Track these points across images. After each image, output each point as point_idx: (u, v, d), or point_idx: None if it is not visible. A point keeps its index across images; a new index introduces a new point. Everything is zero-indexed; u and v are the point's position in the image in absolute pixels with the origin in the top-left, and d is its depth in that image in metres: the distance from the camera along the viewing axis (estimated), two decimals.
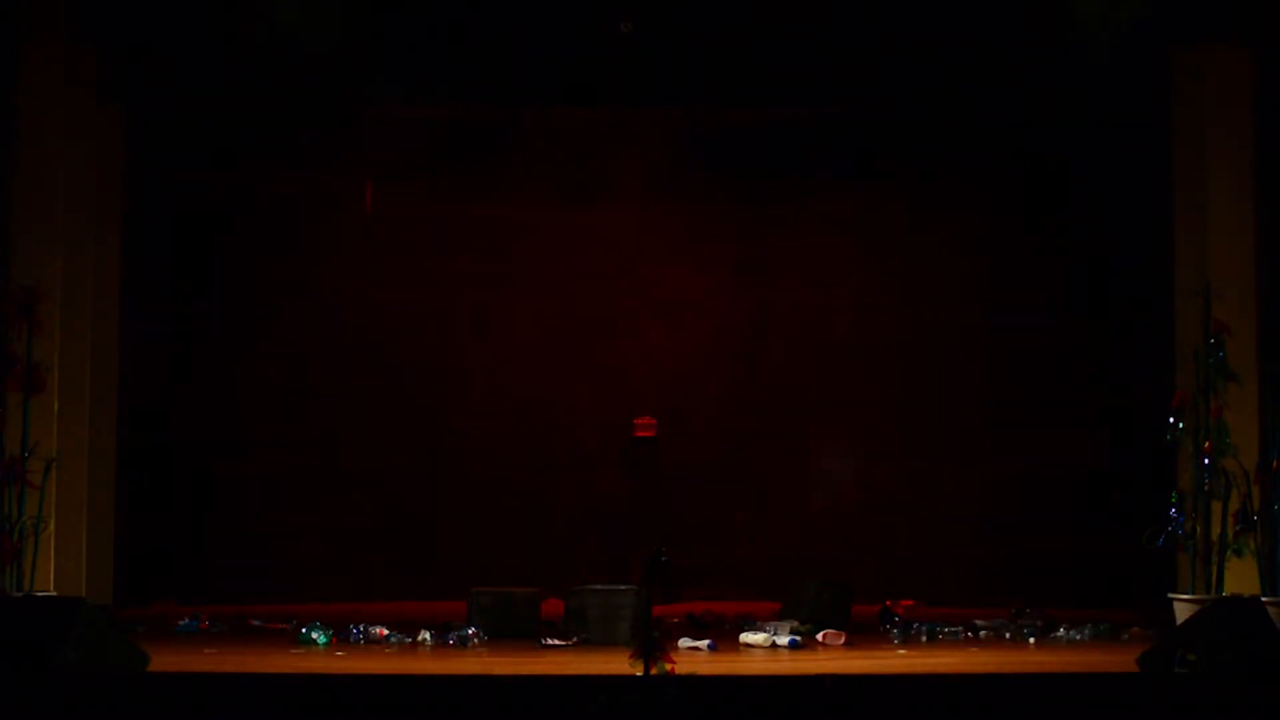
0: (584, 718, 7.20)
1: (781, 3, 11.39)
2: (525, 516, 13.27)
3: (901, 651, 10.24)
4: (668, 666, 7.93)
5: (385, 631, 10.47)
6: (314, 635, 10.31)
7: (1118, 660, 9.32)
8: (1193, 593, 10.21)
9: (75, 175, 11.24)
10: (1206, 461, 10.22)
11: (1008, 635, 10.93)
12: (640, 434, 13.42)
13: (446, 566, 12.77)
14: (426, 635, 10.44)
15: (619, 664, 8.26)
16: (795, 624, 10.77)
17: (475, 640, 10.28)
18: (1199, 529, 10.24)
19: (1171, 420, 10.41)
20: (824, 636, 10.51)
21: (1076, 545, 12.91)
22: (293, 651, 9.99)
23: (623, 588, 10.48)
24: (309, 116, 12.90)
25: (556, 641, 10.33)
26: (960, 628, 10.95)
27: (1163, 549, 10.37)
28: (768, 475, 13.61)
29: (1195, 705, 7.79)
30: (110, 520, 11.89)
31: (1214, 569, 10.14)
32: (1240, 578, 10.10)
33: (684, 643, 10.15)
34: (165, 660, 8.91)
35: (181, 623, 11.14)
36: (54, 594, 10.13)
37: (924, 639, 10.78)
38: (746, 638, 10.52)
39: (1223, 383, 10.28)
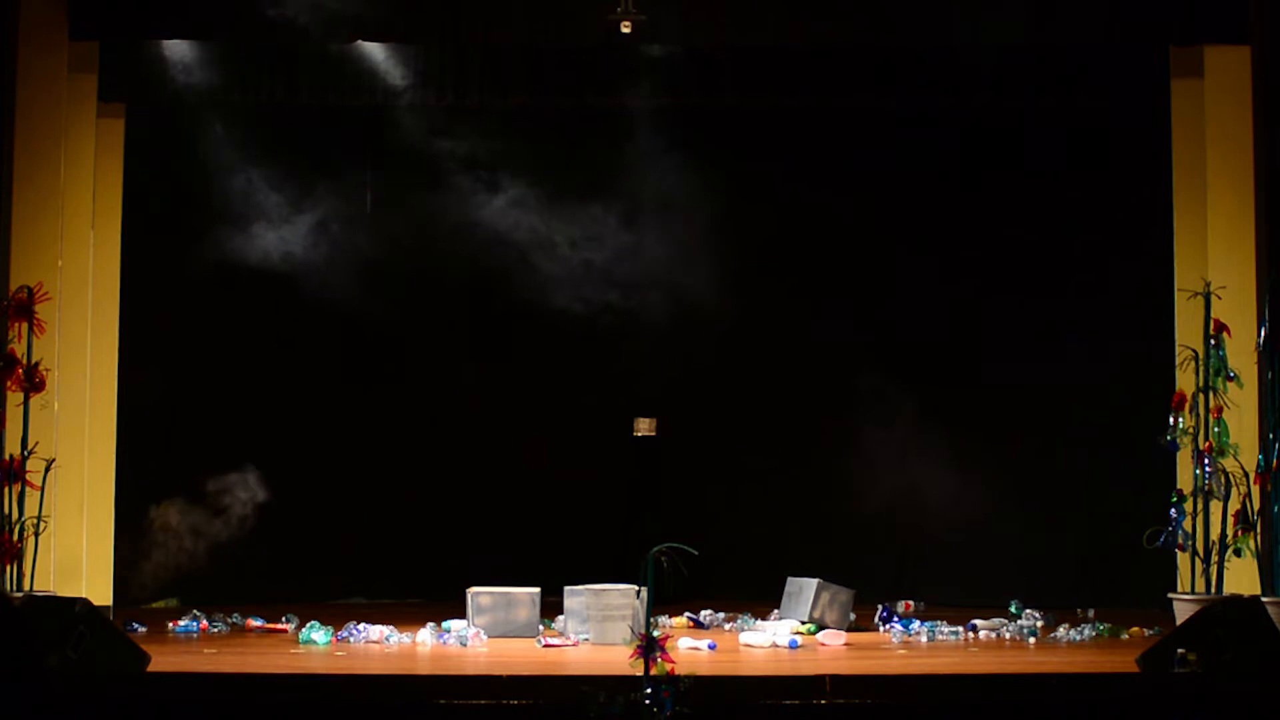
0: (584, 718, 7.19)
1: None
2: (525, 516, 13.26)
3: (901, 651, 10.24)
4: (668, 666, 7.92)
5: (385, 631, 10.46)
6: (314, 635, 10.31)
7: (1118, 660, 9.31)
8: (1193, 593, 10.21)
9: (75, 175, 11.23)
10: (1206, 461, 10.22)
11: (1008, 635, 10.93)
12: (640, 434, 13.40)
13: (446, 566, 12.76)
14: (426, 635, 10.44)
15: (619, 664, 8.26)
16: (795, 624, 10.78)
17: (475, 640, 10.28)
18: (1199, 529, 10.24)
19: (1171, 420, 10.42)
20: (824, 636, 10.51)
21: (1076, 545, 12.92)
22: (293, 651, 9.99)
23: (623, 588, 10.47)
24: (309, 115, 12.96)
25: (556, 641, 10.33)
26: (960, 628, 10.95)
27: (1163, 549, 10.36)
28: (768, 475, 13.60)
29: (1195, 705, 7.80)
30: (110, 520, 11.88)
31: (1214, 569, 10.14)
32: (1240, 578, 10.10)
33: (684, 643, 10.14)
34: (165, 660, 8.91)
35: (181, 623, 11.14)
36: (54, 594, 10.11)
37: (924, 639, 10.78)
38: (746, 638, 10.52)
39: (1223, 383, 10.28)
